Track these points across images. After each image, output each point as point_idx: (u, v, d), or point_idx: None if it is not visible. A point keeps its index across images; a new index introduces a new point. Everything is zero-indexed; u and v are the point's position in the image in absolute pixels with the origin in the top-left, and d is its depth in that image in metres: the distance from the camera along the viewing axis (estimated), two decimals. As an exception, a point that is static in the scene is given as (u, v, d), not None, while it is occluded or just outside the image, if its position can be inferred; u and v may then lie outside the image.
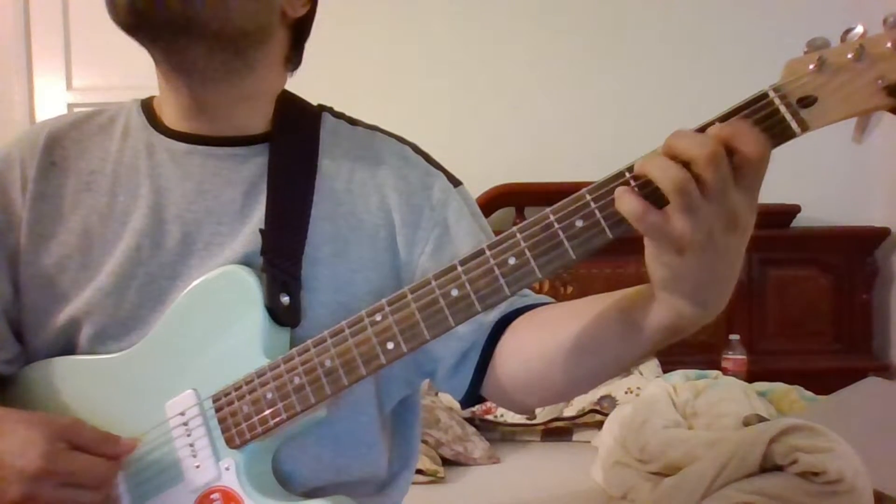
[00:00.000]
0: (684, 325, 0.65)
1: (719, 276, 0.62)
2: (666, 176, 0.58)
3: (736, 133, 0.58)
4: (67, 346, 0.87)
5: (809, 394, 2.03)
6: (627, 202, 0.60)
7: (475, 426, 2.10)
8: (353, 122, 0.95)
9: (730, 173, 0.58)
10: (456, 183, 0.92)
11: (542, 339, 0.79)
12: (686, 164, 0.58)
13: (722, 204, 0.58)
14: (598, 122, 2.65)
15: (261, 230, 0.83)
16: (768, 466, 1.33)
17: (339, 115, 0.95)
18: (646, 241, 0.62)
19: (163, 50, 0.83)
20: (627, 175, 0.62)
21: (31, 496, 0.74)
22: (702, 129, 0.60)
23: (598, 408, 2.07)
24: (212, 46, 0.81)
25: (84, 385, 0.85)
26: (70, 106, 2.78)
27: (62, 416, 0.82)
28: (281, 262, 0.82)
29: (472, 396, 0.87)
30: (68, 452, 0.76)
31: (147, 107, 0.92)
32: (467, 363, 0.85)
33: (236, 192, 0.86)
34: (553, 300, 0.87)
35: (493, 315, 0.83)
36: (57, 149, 0.89)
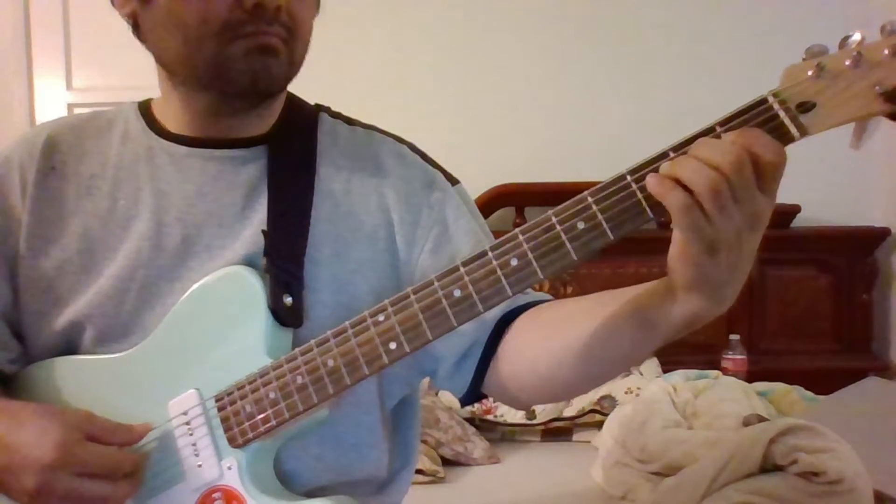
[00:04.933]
0: (699, 321, 0.67)
1: (738, 274, 0.64)
2: (700, 177, 0.59)
3: (754, 142, 0.59)
4: (69, 348, 0.87)
5: (809, 394, 2.03)
6: (676, 196, 0.60)
7: (475, 426, 2.09)
8: (350, 121, 0.95)
9: (753, 177, 0.59)
10: (454, 182, 0.93)
11: (548, 337, 0.79)
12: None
13: (751, 206, 0.60)
14: (598, 122, 2.65)
15: (263, 231, 0.84)
16: (768, 466, 1.33)
17: (337, 115, 0.96)
18: (674, 241, 0.63)
19: (233, 102, 0.86)
20: (629, 178, 0.63)
21: (47, 486, 0.75)
22: (703, 133, 0.62)
23: (598, 408, 2.07)
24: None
25: (87, 384, 0.85)
26: (70, 106, 2.77)
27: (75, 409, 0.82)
28: (284, 263, 0.82)
29: (473, 394, 0.87)
30: (83, 443, 0.77)
31: (145, 110, 0.93)
32: (469, 361, 0.85)
33: (236, 194, 0.86)
34: (553, 298, 0.87)
35: (495, 313, 0.83)
36: (56, 153, 0.90)
